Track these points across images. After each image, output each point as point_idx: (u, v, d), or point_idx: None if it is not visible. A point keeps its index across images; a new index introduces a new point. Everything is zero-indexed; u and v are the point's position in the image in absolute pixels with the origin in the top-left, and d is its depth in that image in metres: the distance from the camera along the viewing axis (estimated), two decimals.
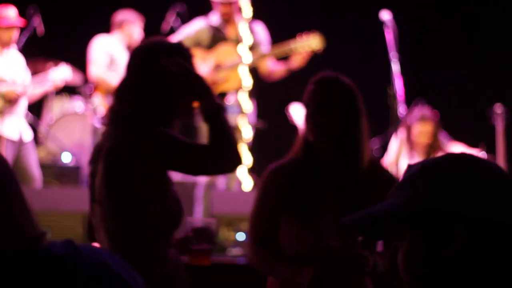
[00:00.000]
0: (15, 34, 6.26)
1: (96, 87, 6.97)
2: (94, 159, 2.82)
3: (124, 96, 2.80)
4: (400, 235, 1.27)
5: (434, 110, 6.78)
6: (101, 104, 6.90)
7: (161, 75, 2.75)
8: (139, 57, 2.85)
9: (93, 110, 7.06)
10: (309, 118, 2.94)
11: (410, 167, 1.31)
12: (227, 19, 6.41)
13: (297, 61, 6.26)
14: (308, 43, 6.18)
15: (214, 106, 2.74)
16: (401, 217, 1.25)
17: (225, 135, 2.72)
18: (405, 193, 1.27)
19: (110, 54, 6.87)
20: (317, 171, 2.89)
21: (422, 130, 6.43)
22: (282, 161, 3.01)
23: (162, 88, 2.76)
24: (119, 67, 6.88)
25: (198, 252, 2.86)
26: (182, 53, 2.85)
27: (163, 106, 2.77)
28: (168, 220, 2.75)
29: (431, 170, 1.27)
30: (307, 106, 2.97)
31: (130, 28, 6.98)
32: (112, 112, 2.83)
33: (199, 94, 2.77)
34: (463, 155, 1.30)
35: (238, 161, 2.77)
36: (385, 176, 3.04)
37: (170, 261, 2.77)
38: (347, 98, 2.95)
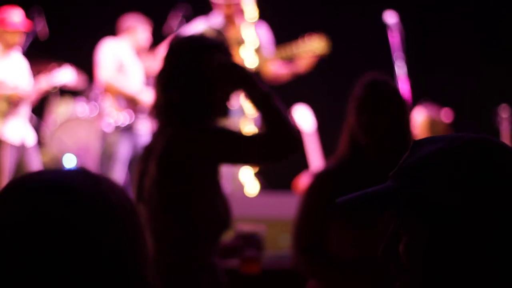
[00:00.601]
0: (20, 37, 6.25)
1: (106, 91, 6.95)
2: (144, 158, 2.80)
3: (169, 89, 2.79)
4: (405, 222, 1.23)
5: (446, 110, 6.78)
6: (112, 106, 6.88)
7: (206, 68, 2.75)
8: (183, 51, 2.83)
9: (101, 114, 7.04)
10: (364, 120, 2.94)
11: (419, 143, 1.26)
12: (229, 20, 6.39)
13: (303, 65, 6.23)
14: (313, 47, 6.15)
15: (264, 93, 2.72)
16: (406, 204, 1.22)
17: (281, 119, 2.70)
18: (419, 177, 1.22)
19: (118, 58, 6.86)
20: (368, 174, 2.82)
21: (424, 128, 6.45)
22: (329, 166, 3.06)
23: (206, 82, 2.76)
24: (128, 71, 6.88)
25: (248, 260, 2.80)
26: (223, 49, 2.84)
27: (208, 99, 2.77)
28: (215, 224, 2.72)
29: (452, 161, 1.22)
30: (360, 109, 2.96)
31: (138, 33, 6.96)
32: (158, 106, 2.81)
33: (247, 84, 2.75)
34: (488, 144, 1.23)
35: (299, 141, 2.74)
36: None
37: (216, 266, 2.74)
38: (400, 99, 3.02)
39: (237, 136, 2.77)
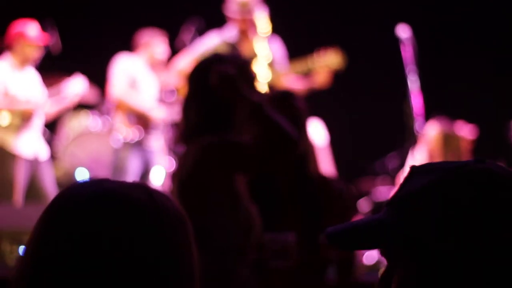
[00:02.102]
0: (38, 51, 6.26)
1: (117, 106, 6.97)
2: (173, 180, 2.87)
3: (187, 111, 2.87)
4: (397, 257, 1.15)
5: (462, 123, 6.78)
6: (122, 123, 6.90)
7: (211, 83, 2.80)
8: (194, 72, 2.93)
9: (111, 129, 7.06)
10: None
11: (414, 172, 1.16)
12: (243, 34, 6.38)
13: (320, 80, 6.21)
14: (328, 61, 6.13)
15: (253, 105, 2.75)
16: (395, 240, 1.13)
17: (274, 125, 2.72)
18: (408, 215, 1.12)
19: (132, 74, 6.88)
20: None
21: (437, 141, 6.43)
22: None
23: (214, 97, 2.80)
24: (141, 87, 6.90)
25: (280, 272, 2.76)
26: (234, 61, 2.89)
27: (221, 113, 2.81)
28: (236, 236, 2.71)
29: (443, 198, 1.10)
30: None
31: (154, 46, 6.98)
32: (180, 129, 2.90)
33: (236, 99, 2.78)
34: (490, 177, 1.11)
35: (295, 142, 2.75)
36: None
37: (240, 278, 2.72)
38: None
39: (243, 145, 2.78)
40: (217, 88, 2.77)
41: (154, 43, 6.98)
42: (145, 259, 1.18)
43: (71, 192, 1.23)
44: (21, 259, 1.20)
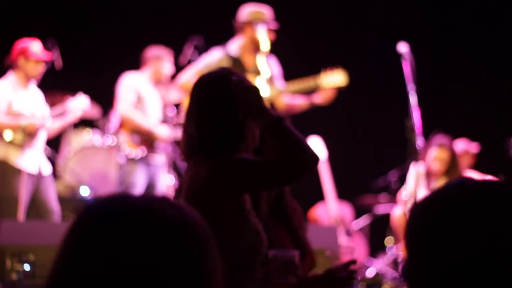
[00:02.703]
0: (41, 68, 6.32)
1: (122, 124, 7.03)
2: (177, 197, 2.84)
3: (189, 122, 2.84)
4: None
5: (472, 143, 6.80)
6: (126, 141, 6.96)
7: (220, 96, 2.78)
8: (201, 82, 2.89)
9: (115, 146, 7.11)
10: None
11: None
12: (246, 49, 6.41)
13: (323, 97, 6.23)
14: (333, 79, 6.16)
15: (271, 120, 2.71)
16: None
17: (293, 141, 2.68)
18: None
19: (137, 92, 6.96)
20: None
21: (437, 156, 6.46)
22: None
23: (219, 113, 2.79)
24: (147, 104, 6.97)
25: (283, 286, 2.72)
26: (236, 76, 2.87)
27: (228, 130, 2.78)
28: (244, 253, 2.71)
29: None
30: None
31: (160, 63, 7.07)
32: (181, 141, 2.87)
33: (253, 114, 2.75)
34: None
35: (315, 160, 2.71)
36: None
37: None
38: None
39: (255, 163, 2.75)
40: (241, 97, 2.75)
41: (161, 59, 7.07)
42: (178, 273, 1.18)
43: (99, 209, 1.22)
44: (51, 278, 1.19)
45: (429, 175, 6.50)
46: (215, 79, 2.87)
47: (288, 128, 2.70)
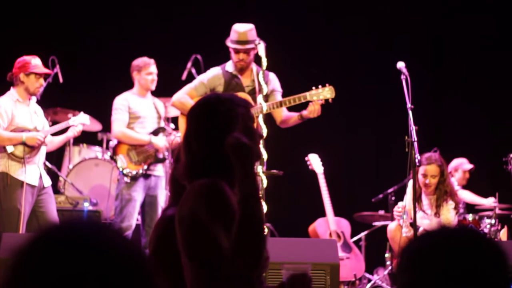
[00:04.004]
0: (41, 83, 6.39)
1: (118, 145, 7.11)
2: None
3: (186, 146, 2.87)
4: None
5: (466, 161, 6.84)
6: (125, 162, 7.02)
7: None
8: (196, 108, 2.92)
9: (114, 162, 7.18)
10: None
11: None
12: (241, 65, 6.46)
13: (310, 110, 6.28)
14: (321, 93, 6.23)
15: (248, 193, 2.73)
16: None
17: (253, 231, 2.69)
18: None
19: (128, 109, 7.11)
20: None
21: (426, 171, 6.51)
22: None
23: (207, 137, 2.82)
24: (141, 118, 7.08)
25: None
26: (233, 103, 2.89)
27: (210, 154, 2.81)
28: (244, 267, 2.71)
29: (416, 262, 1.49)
30: None
31: (142, 73, 7.17)
32: (177, 163, 2.91)
33: (239, 174, 2.76)
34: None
35: (257, 261, 2.71)
36: None
37: None
38: None
39: (214, 231, 2.71)
40: (231, 152, 2.77)
41: (141, 69, 7.16)
42: None
43: (43, 237, 1.26)
44: None
45: (420, 188, 6.56)
46: (206, 105, 2.90)
47: (257, 211, 2.71)
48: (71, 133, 6.74)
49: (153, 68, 7.18)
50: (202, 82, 6.52)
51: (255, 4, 9.43)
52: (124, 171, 6.96)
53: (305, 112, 6.34)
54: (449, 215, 6.50)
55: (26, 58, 6.40)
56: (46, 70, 6.46)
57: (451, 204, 6.54)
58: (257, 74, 6.46)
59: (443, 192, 6.55)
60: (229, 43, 6.46)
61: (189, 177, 2.83)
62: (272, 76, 6.62)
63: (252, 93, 6.44)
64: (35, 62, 6.40)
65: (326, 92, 6.25)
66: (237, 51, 6.42)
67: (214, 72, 6.55)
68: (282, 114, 6.56)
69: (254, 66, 6.50)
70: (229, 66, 6.53)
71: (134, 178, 6.96)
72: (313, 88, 6.27)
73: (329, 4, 9.70)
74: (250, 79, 6.49)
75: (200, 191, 2.74)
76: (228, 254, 2.67)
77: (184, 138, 2.91)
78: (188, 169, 2.84)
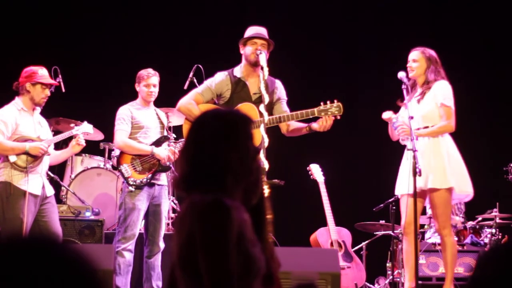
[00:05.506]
0: (47, 93, 6.42)
1: (121, 156, 7.11)
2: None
3: (184, 158, 2.86)
4: None
5: None
6: (129, 172, 7.03)
7: (205, 134, 2.80)
8: (198, 122, 2.90)
9: (117, 171, 7.19)
10: None
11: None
12: (249, 72, 6.46)
13: (321, 125, 6.28)
14: (330, 110, 6.23)
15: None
16: None
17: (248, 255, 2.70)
18: None
19: (131, 120, 7.08)
20: None
21: (409, 57, 6.49)
22: None
23: (207, 151, 2.81)
24: (143, 128, 7.08)
25: None
26: (233, 118, 2.89)
27: (210, 168, 2.80)
28: (240, 278, 2.68)
29: None
30: None
31: (142, 84, 7.15)
32: (177, 173, 2.91)
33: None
34: None
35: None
36: None
37: None
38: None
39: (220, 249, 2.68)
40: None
41: (141, 80, 7.12)
42: None
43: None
44: None
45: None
46: (205, 119, 2.89)
47: (245, 244, 2.69)
48: (76, 148, 6.73)
49: (152, 80, 7.14)
50: (209, 87, 6.50)
51: (256, 15, 9.47)
52: (129, 181, 6.97)
53: (315, 125, 6.33)
54: (428, 106, 6.36)
55: (33, 68, 6.43)
56: (52, 81, 6.49)
57: (432, 94, 6.39)
58: (262, 82, 6.46)
59: (426, 81, 6.45)
60: (246, 35, 6.45)
61: (186, 188, 2.83)
62: (278, 83, 6.62)
63: (259, 101, 6.42)
64: (42, 72, 6.43)
65: (334, 109, 6.24)
66: (254, 43, 6.42)
67: (222, 77, 6.53)
68: (289, 124, 6.55)
69: (261, 73, 6.50)
70: (238, 71, 6.51)
71: (139, 187, 6.97)
72: (322, 103, 6.26)
73: (327, 10, 9.74)
74: (258, 87, 6.47)
75: (203, 210, 2.70)
76: (235, 275, 2.67)
77: (184, 148, 2.92)
78: (185, 180, 2.84)
